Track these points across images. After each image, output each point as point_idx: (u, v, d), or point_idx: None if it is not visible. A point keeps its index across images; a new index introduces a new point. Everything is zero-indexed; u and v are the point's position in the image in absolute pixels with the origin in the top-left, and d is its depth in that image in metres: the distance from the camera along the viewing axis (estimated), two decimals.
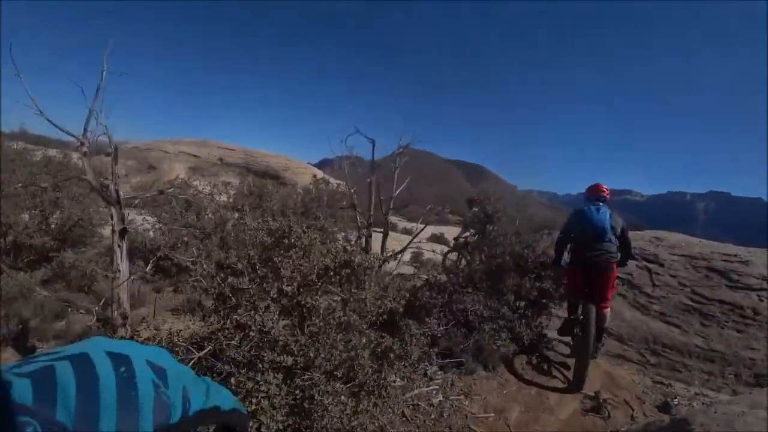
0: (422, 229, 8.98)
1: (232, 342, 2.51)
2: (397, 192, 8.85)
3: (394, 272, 6.89)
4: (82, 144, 4.79)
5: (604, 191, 4.42)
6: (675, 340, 5.46)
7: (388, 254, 6.48)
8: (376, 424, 2.73)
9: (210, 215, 8.95)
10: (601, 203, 4.32)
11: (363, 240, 8.19)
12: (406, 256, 11.08)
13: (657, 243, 7.88)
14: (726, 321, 5.58)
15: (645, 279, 6.63)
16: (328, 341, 2.64)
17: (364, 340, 2.79)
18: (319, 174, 22.56)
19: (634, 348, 5.50)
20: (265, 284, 2.80)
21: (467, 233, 8.07)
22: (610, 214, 4.20)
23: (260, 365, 2.41)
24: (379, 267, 4.58)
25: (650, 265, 6.93)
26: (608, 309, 4.37)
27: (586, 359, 3.97)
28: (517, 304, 5.11)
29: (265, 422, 2.15)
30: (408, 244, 7.88)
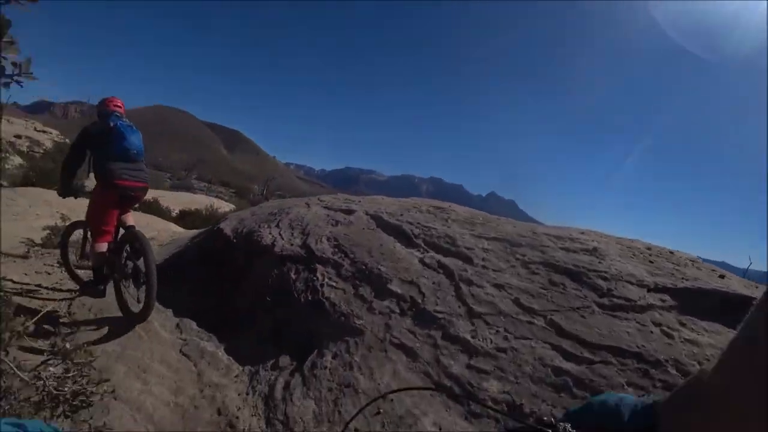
0: None
1: None
2: None
3: None
4: None
5: (121, 106, 3.71)
6: None
7: None
8: None
9: None
10: (125, 119, 3.62)
11: None
12: None
13: (444, 217, 4.40)
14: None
15: (447, 297, 2.88)
16: None
17: None
18: None
19: None
20: None
21: None
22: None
23: None
24: None
25: (449, 262, 3.26)
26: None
27: (155, 286, 3.13)
28: None
29: None
30: None
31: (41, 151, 21.23)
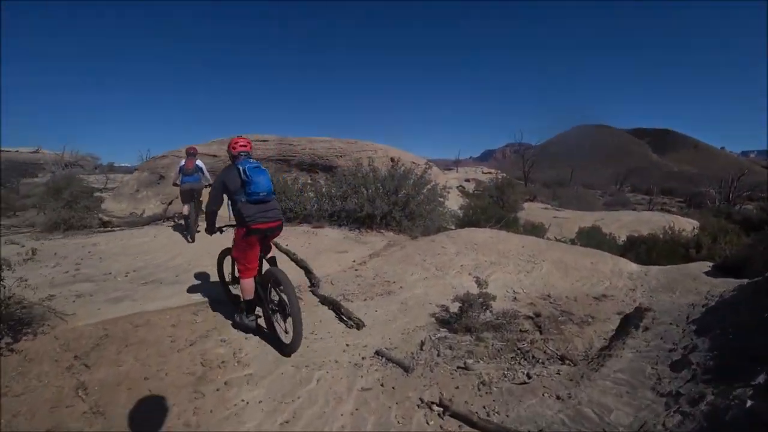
0: None
1: None
2: None
3: None
4: None
5: (246, 145, 3.93)
6: None
7: None
8: None
9: None
10: (253, 159, 3.83)
11: None
12: None
13: None
14: None
15: None
16: None
17: None
18: (396, 154, 15.04)
19: None
20: None
21: None
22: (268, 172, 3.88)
23: None
24: None
25: None
26: None
27: (299, 316, 3.40)
28: None
29: None
30: None
31: (481, 189, 22.77)
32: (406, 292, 5.35)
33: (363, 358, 3.44)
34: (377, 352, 3.53)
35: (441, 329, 4.20)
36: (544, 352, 3.75)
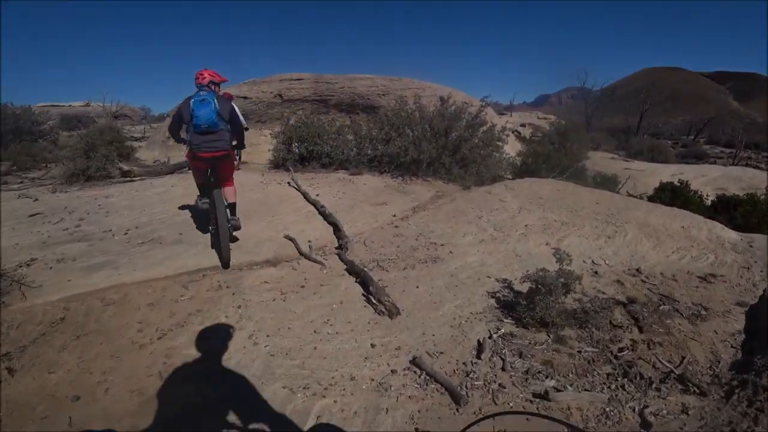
0: None
1: None
2: None
3: None
4: None
5: (205, 78, 4.08)
6: None
7: None
8: None
9: None
10: (205, 92, 3.96)
11: None
12: None
13: None
14: None
15: None
16: None
17: None
18: (446, 93, 13.26)
19: None
20: None
21: None
22: (216, 104, 3.93)
23: None
24: None
25: None
26: (233, 186, 4.39)
27: (227, 238, 3.90)
28: None
29: None
30: None
31: (539, 134, 20.74)
32: (457, 259, 4.25)
33: (392, 372, 2.38)
34: (414, 362, 2.47)
35: (505, 319, 3.07)
36: (654, 366, 2.57)
